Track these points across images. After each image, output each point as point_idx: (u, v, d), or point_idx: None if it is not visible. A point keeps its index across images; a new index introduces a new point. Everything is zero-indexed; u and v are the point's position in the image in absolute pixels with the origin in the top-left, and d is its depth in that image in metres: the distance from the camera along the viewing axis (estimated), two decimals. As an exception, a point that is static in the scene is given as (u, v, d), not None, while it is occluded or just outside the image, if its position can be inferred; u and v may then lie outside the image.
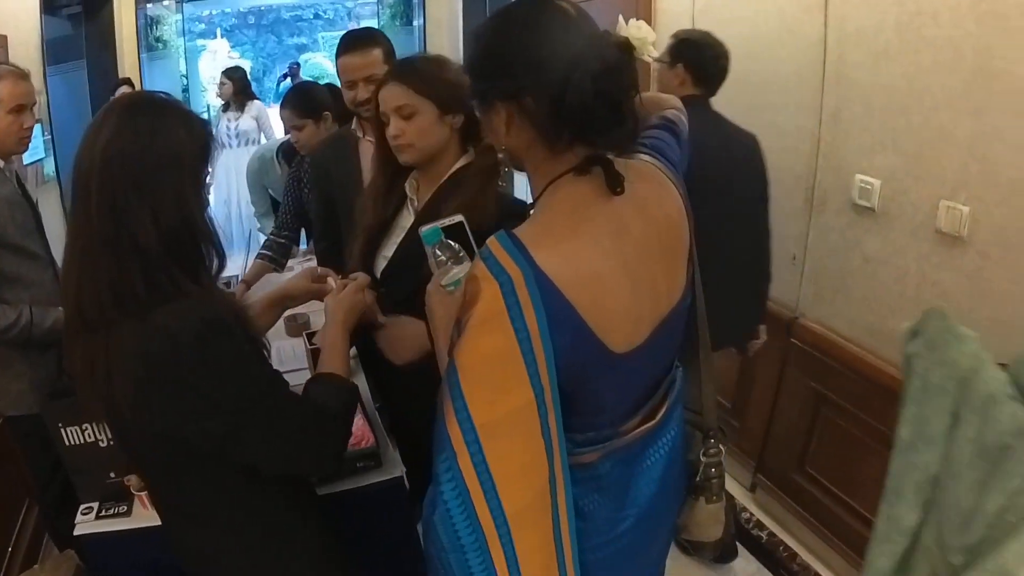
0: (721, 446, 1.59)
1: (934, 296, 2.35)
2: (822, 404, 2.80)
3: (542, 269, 1.09)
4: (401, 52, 2.45)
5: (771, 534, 2.99)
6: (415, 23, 7.15)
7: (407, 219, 2.00)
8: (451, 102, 1.84)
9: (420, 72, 1.85)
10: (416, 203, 1.97)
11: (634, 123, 1.21)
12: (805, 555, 2.89)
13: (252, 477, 1.38)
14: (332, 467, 1.53)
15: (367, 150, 2.33)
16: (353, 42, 2.44)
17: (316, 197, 2.70)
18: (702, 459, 1.56)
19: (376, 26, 7.09)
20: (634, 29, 1.21)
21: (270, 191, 4.40)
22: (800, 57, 2.66)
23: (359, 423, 2.05)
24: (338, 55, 2.46)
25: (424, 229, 1.51)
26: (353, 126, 2.57)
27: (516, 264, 1.09)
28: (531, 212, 1.25)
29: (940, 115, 2.26)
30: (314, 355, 1.91)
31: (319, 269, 1.91)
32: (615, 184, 1.18)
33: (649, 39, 1.22)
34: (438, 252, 1.48)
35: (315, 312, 2.66)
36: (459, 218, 1.53)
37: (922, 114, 2.31)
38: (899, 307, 2.49)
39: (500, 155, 1.31)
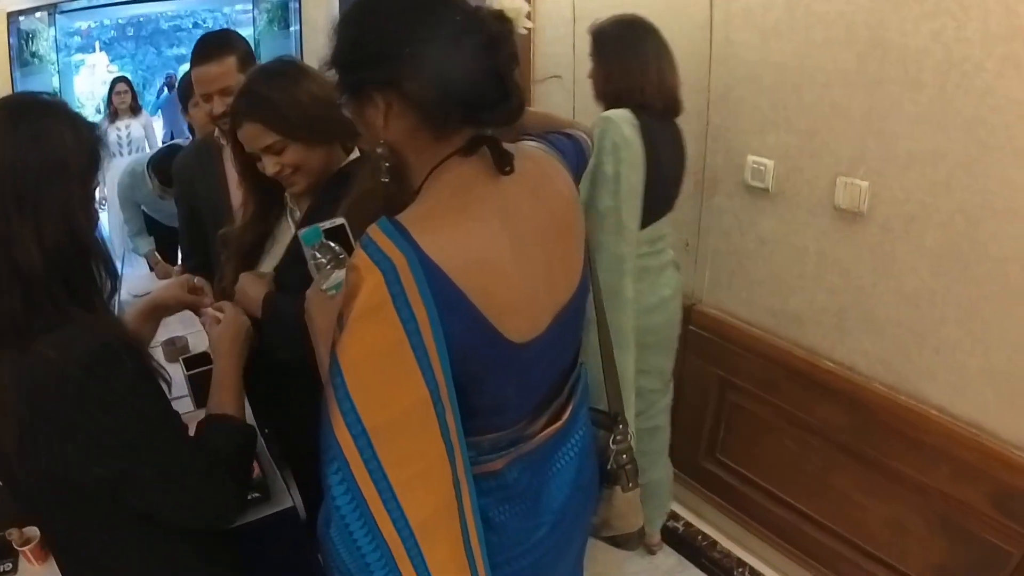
0: (629, 432, 1.57)
1: (835, 273, 2.37)
2: (728, 389, 2.78)
3: (427, 253, 1.02)
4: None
5: (687, 524, 2.98)
6: (292, 28, 6.85)
7: (287, 234, 1.80)
8: (318, 130, 1.66)
9: (275, 106, 1.62)
10: (298, 213, 1.78)
11: (519, 97, 1.14)
12: (725, 542, 2.90)
13: (153, 521, 1.27)
14: (233, 518, 1.39)
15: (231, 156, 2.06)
16: (205, 50, 2.19)
17: (181, 211, 2.40)
18: (612, 447, 1.54)
19: (253, 32, 6.83)
20: (507, 1, 1.19)
21: (144, 208, 4.01)
22: (685, 39, 2.58)
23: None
24: (191, 65, 2.21)
25: (303, 231, 1.41)
26: (216, 132, 2.29)
27: (399, 249, 1.01)
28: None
29: (833, 91, 2.25)
30: (193, 381, 1.72)
31: (196, 279, 1.72)
32: (504, 163, 1.13)
33: (523, 11, 1.21)
34: (317, 255, 1.37)
35: (194, 333, 2.44)
36: (340, 220, 1.45)
37: (815, 91, 2.29)
38: (799, 287, 2.49)
39: (379, 150, 1.18)
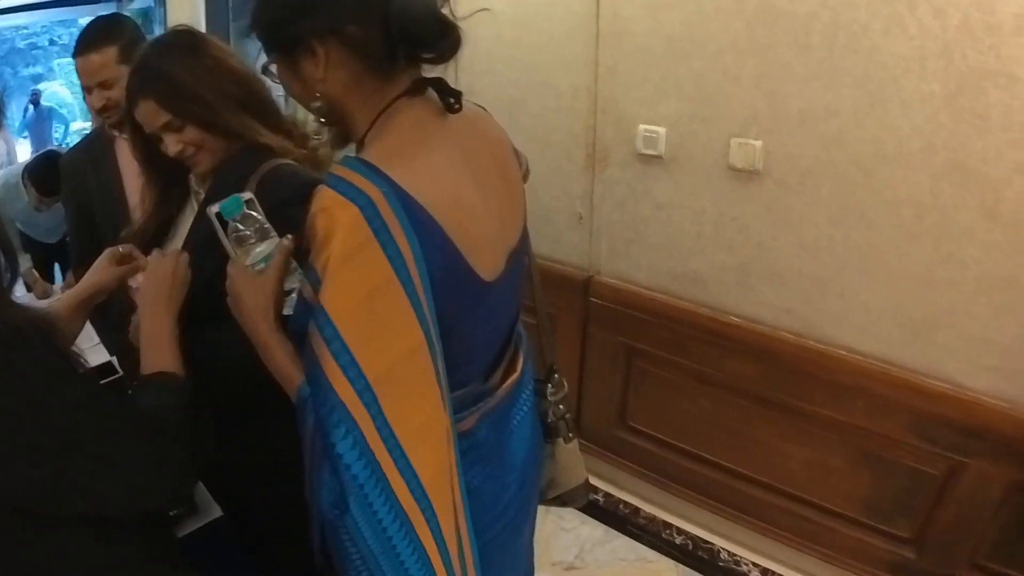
0: (565, 383, 1.58)
1: (734, 231, 2.46)
2: (634, 356, 2.83)
3: (403, 187, 0.98)
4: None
5: (607, 495, 3.01)
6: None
7: (190, 217, 1.67)
8: (220, 107, 1.52)
9: (169, 81, 1.49)
10: (203, 195, 1.63)
11: (456, 31, 1.10)
12: (647, 507, 2.95)
13: (101, 530, 1.10)
14: (190, 485, 1.32)
15: (125, 147, 1.90)
16: (86, 38, 2.03)
17: (71, 212, 2.21)
18: (549, 399, 1.53)
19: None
20: None
21: (18, 224, 3.60)
22: (572, 16, 2.61)
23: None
24: (73, 54, 2.04)
25: (219, 204, 1.26)
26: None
27: (372, 183, 0.96)
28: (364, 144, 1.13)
29: (724, 58, 2.33)
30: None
31: (120, 247, 1.54)
32: (454, 100, 1.12)
33: None
34: (240, 227, 1.25)
35: (92, 347, 2.18)
36: (248, 195, 1.31)
37: (705, 60, 2.36)
38: (699, 247, 2.57)
39: (315, 105, 1.13)
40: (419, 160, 1.05)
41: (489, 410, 1.23)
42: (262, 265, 1.21)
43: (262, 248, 1.24)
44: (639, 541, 2.84)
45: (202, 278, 1.43)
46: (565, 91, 2.73)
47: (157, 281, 1.38)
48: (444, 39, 1.08)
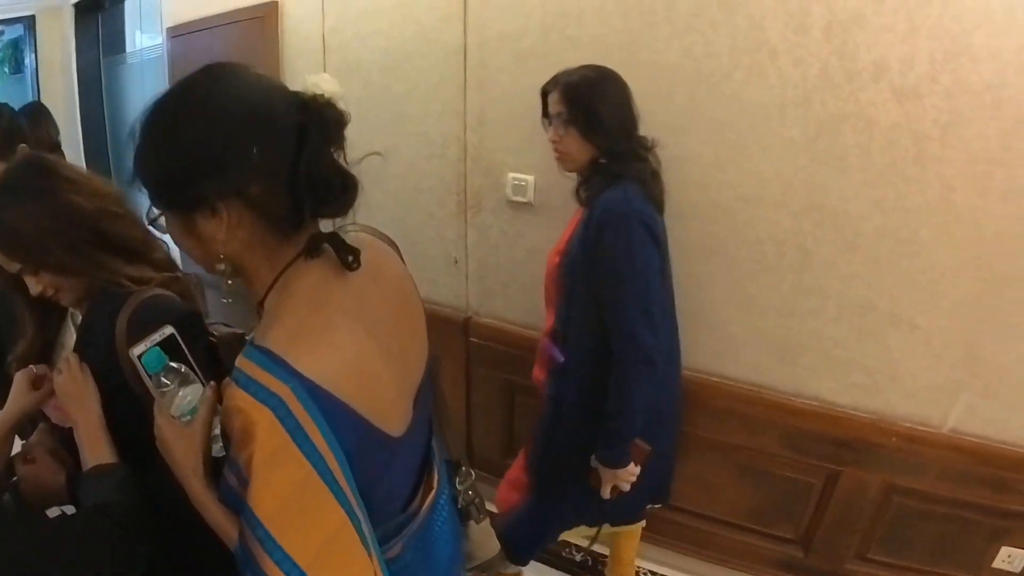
0: (470, 470, 1.63)
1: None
2: (516, 392, 2.90)
3: (309, 377, 0.97)
4: (14, 102, 1.83)
5: (502, 524, 3.03)
6: (26, 67, 5.99)
7: (70, 338, 1.60)
8: (69, 253, 1.44)
9: (10, 231, 1.41)
10: (79, 317, 1.57)
11: (355, 182, 1.11)
12: None
13: None
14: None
15: None
16: None
17: None
18: (458, 487, 1.57)
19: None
20: (325, 83, 1.11)
21: None
22: (442, 65, 2.63)
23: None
24: None
25: (140, 352, 1.25)
26: None
27: (280, 380, 0.95)
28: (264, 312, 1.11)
29: (590, 108, 2.41)
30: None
31: (34, 368, 1.50)
32: (350, 261, 1.10)
33: (339, 92, 1.13)
34: (164, 380, 1.23)
35: None
36: (169, 330, 1.31)
37: (570, 108, 2.44)
38: (571, 287, 2.66)
39: (219, 267, 1.10)
40: (321, 341, 1.02)
41: (412, 533, 1.25)
42: (188, 418, 1.18)
43: (187, 396, 1.22)
44: (540, 562, 2.90)
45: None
46: (436, 139, 2.75)
47: (70, 383, 1.39)
48: (346, 193, 1.08)
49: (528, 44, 2.47)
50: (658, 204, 2.05)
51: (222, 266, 1.08)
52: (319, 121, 1.04)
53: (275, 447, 0.93)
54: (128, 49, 5.64)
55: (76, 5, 5.67)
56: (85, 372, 1.41)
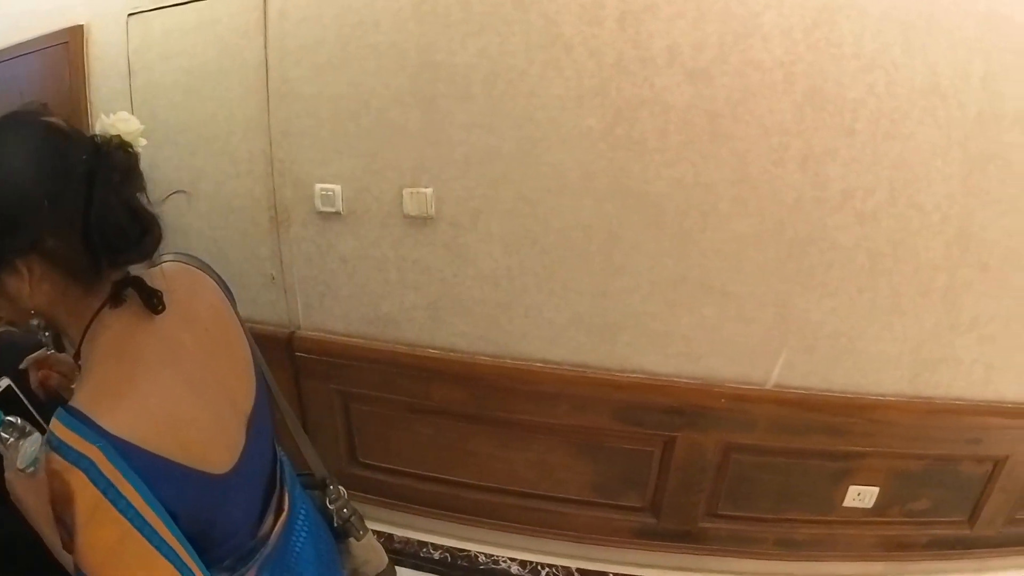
0: (341, 488, 1.67)
1: (418, 272, 2.62)
2: (350, 400, 2.88)
3: (117, 435, 0.98)
4: None
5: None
6: None
7: None
8: None
9: None
10: None
11: (158, 226, 1.12)
12: (399, 531, 3.06)
13: None
14: None
15: None
16: None
17: None
18: (330, 507, 1.62)
19: None
20: (122, 124, 1.11)
21: None
22: (245, 81, 2.56)
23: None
24: None
25: None
26: None
27: (89, 442, 0.96)
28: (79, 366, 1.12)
29: (390, 113, 2.44)
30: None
31: None
32: (155, 304, 1.11)
33: (138, 130, 1.13)
34: (4, 435, 1.25)
35: None
36: (6, 382, 1.34)
37: (371, 116, 2.47)
38: (387, 292, 2.69)
39: (34, 323, 1.13)
40: (128, 396, 1.02)
41: (265, 557, 1.26)
42: (32, 469, 1.18)
43: (28, 449, 1.21)
44: (401, 565, 2.88)
45: None
46: (243, 156, 2.68)
47: None
48: (146, 236, 1.08)
49: (327, 55, 2.45)
50: None
51: (36, 320, 1.09)
52: (107, 167, 1.03)
53: (92, 507, 0.94)
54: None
55: None
56: None
